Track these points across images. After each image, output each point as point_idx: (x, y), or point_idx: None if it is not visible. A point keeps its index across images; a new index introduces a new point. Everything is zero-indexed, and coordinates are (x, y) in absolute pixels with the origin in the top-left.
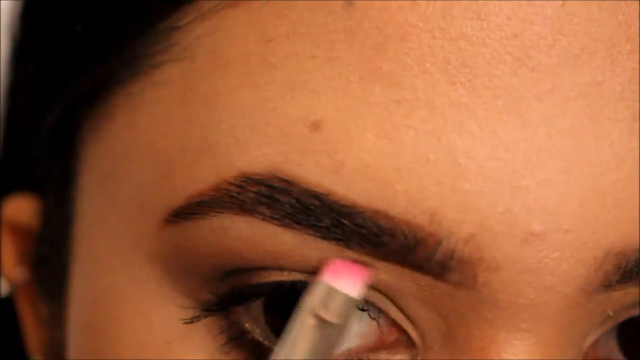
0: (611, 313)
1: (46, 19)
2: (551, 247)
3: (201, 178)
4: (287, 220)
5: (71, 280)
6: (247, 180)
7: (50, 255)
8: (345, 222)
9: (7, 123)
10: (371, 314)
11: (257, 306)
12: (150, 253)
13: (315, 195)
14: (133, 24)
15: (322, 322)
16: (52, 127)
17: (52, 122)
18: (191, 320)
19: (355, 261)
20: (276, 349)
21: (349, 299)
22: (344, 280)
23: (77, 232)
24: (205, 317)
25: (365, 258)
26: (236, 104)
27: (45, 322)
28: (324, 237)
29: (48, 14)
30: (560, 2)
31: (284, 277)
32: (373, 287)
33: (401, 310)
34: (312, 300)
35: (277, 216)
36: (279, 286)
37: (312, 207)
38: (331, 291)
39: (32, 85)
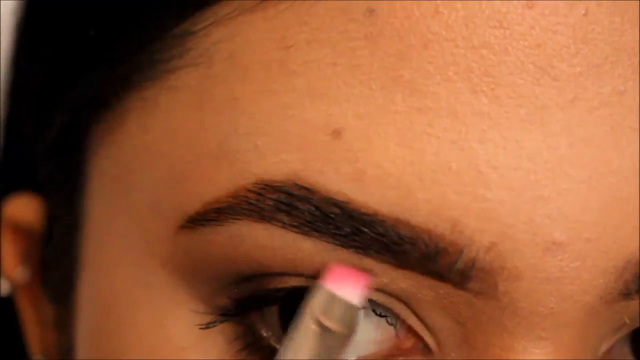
0: (628, 320)
1: (57, 21)
2: (572, 256)
3: (218, 184)
4: (306, 228)
5: (80, 283)
6: (266, 188)
7: (57, 258)
8: (366, 230)
9: (8, 122)
10: (389, 320)
11: (273, 312)
12: (164, 258)
13: (336, 203)
14: (147, 28)
15: (324, 328)
16: (60, 129)
17: (60, 125)
18: (207, 326)
19: (355, 267)
20: (279, 353)
21: (351, 306)
22: (345, 286)
23: (86, 236)
24: (221, 322)
25: (385, 266)
26: (255, 111)
27: (50, 323)
28: (343, 245)
29: (59, 16)
30: (583, 12)
31: (302, 282)
32: (391, 294)
33: (418, 317)
34: (314, 306)
35: (296, 224)
36: (296, 291)
37: (332, 215)
38: (333, 298)
39: (38, 87)
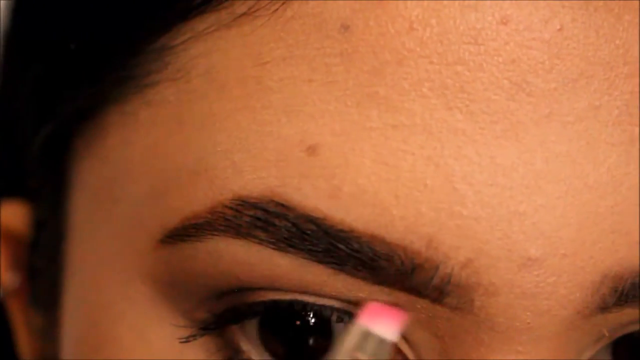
0: (607, 333)
1: (40, 33)
2: (548, 271)
3: (197, 200)
4: (283, 245)
5: (65, 294)
6: (243, 204)
7: (44, 266)
8: (341, 246)
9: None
10: None
11: (252, 325)
12: (145, 272)
13: (312, 219)
14: (126, 43)
15: None
16: (45, 141)
17: (45, 136)
18: (187, 340)
19: (390, 304)
20: None
21: (385, 342)
22: (380, 322)
23: (70, 247)
24: (201, 336)
25: (361, 282)
26: (232, 127)
27: (38, 332)
28: (319, 261)
29: (42, 28)
30: (558, 27)
31: (281, 296)
32: None
33: None
34: (349, 343)
35: (272, 240)
36: (275, 305)
37: (308, 232)
38: (368, 334)
39: (25, 98)
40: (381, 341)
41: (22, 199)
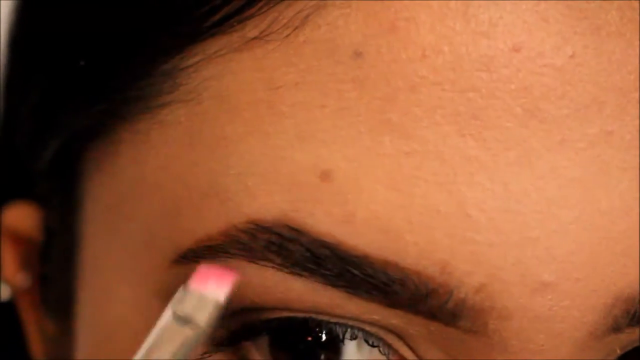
0: (619, 351)
1: (48, 48)
2: (561, 295)
3: (210, 222)
4: (297, 269)
5: (78, 305)
6: (257, 228)
7: (55, 275)
8: (355, 271)
9: (6, 132)
10: (381, 350)
11: (264, 340)
12: (158, 289)
13: (325, 244)
14: (137, 63)
15: (185, 325)
16: (53, 155)
17: (54, 150)
18: (202, 356)
19: (223, 266)
20: (139, 351)
21: (215, 304)
22: (210, 285)
23: (82, 258)
24: (215, 352)
25: (375, 305)
26: (245, 151)
27: (50, 338)
28: (333, 285)
29: (50, 43)
30: (570, 53)
31: (295, 314)
32: (385, 327)
33: (411, 348)
34: (176, 305)
35: (286, 264)
36: (289, 321)
37: (322, 257)
38: (198, 296)
39: (32, 108)
40: (212, 304)
41: (31, 201)
